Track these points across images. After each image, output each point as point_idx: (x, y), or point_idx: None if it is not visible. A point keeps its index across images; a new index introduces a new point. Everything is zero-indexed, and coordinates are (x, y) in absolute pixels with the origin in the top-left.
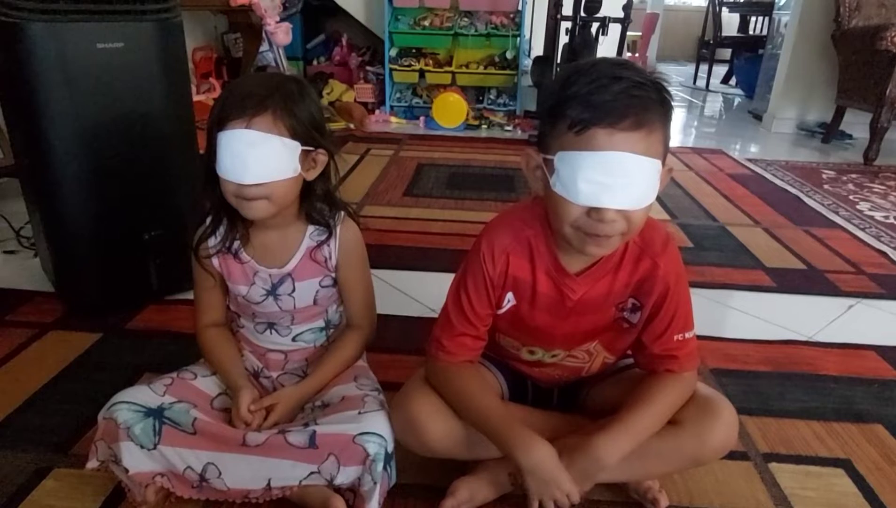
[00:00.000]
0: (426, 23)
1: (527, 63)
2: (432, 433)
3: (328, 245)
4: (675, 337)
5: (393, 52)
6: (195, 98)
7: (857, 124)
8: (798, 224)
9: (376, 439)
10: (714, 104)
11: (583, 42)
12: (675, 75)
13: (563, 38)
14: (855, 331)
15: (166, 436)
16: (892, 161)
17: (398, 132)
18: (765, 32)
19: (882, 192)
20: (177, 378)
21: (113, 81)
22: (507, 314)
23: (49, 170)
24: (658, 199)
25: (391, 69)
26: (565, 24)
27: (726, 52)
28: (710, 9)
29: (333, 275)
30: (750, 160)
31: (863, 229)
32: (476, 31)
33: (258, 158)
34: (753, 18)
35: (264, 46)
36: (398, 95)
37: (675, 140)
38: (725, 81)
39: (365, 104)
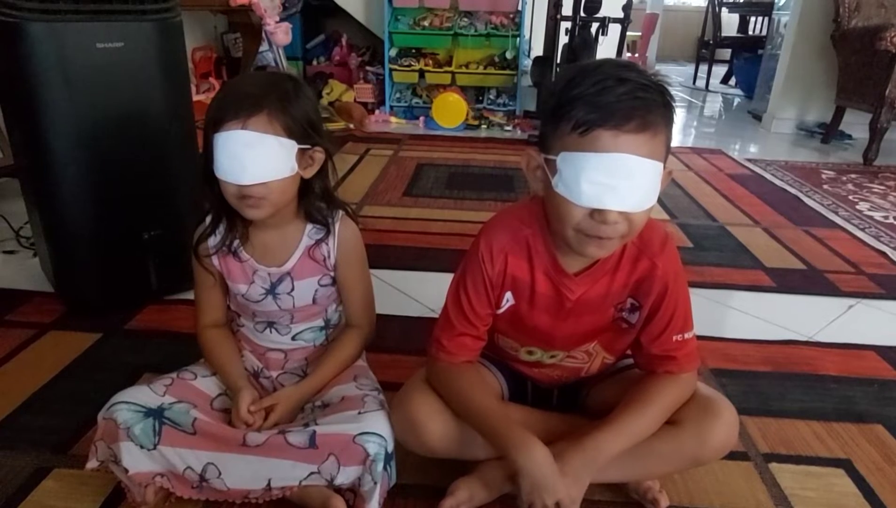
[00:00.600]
0: (426, 23)
1: (526, 63)
2: (432, 433)
3: (327, 244)
4: (674, 337)
5: (393, 53)
6: (195, 98)
7: (856, 125)
8: (798, 224)
9: (376, 439)
10: (714, 104)
11: (582, 42)
12: (675, 75)
13: (563, 39)
14: (855, 331)
15: (166, 436)
16: (891, 161)
17: (398, 132)
18: (764, 33)
19: (881, 192)
20: (177, 379)
21: (113, 81)
22: (506, 314)
23: (48, 170)
24: (658, 199)
25: (391, 69)
26: (565, 25)
27: (726, 53)
28: (710, 9)
29: (332, 274)
30: (749, 160)
31: (862, 229)
32: (476, 31)
33: (255, 158)
34: (753, 19)
35: (264, 46)
36: (398, 95)
37: (675, 140)
38: (725, 81)
39: (365, 104)
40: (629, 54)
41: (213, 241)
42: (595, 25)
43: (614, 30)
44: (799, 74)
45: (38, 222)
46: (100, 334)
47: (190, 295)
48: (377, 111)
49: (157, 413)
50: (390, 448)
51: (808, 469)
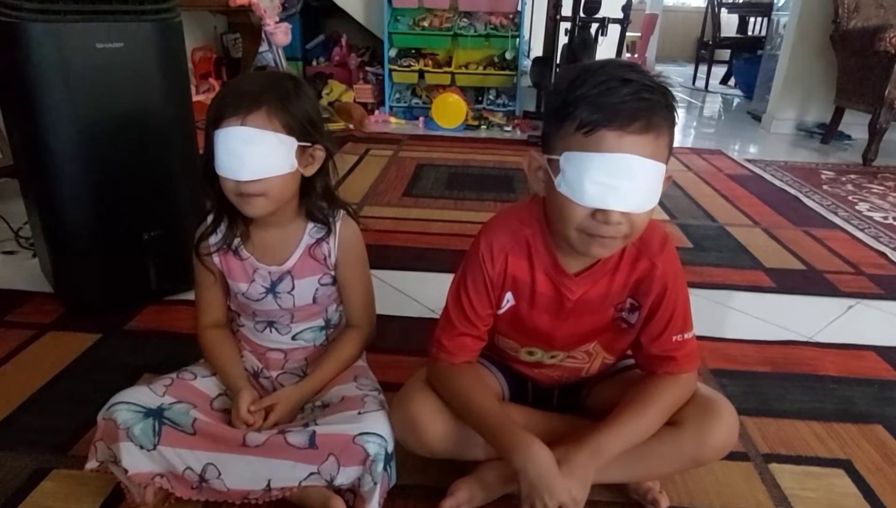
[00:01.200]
0: (425, 23)
1: (526, 64)
2: (432, 433)
3: (327, 242)
4: (674, 338)
5: (392, 53)
6: (195, 98)
7: (855, 125)
8: (797, 225)
9: (376, 439)
10: (713, 105)
11: (582, 43)
12: (675, 76)
13: (563, 39)
14: (854, 332)
15: (166, 437)
16: (890, 162)
17: (397, 133)
18: (763, 33)
19: (881, 192)
20: (176, 379)
21: (112, 82)
22: (506, 315)
23: (48, 170)
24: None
25: (390, 70)
26: (564, 25)
27: (725, 53)
28: (709, 10)
29: (333, 273)
30: (749, 161)
31: (862, 230)
32: (475, 31)
33: (254, 154)
34: (752, 19)
35: (263, 47)
36: (397, 95)
37: (675, 141)
38: (724, 81)
39: (364, 105)
40: (628, 55)
41: (213, 239)
42: (595, 26)
43: (614, 30)
44: (798, 74)
45: (37, 223)
46: (99, 334)
47: (190, 296)
48: (377, 112)
49: (156, 414)
50: (390, 449)
51: (807, 470)
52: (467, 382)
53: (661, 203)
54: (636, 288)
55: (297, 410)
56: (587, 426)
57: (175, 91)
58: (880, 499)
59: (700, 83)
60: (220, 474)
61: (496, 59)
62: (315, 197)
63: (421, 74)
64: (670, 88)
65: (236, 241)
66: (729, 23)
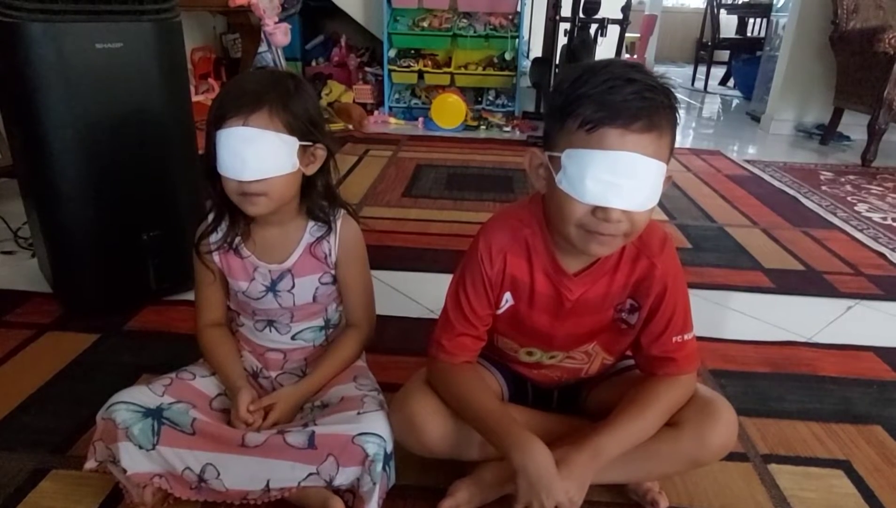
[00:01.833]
0: (425, 24)
1: (525, 64)
2: (431, 433)
3: (328, 241)
4: (674, 339)
5: (392, 53)
6: (194, 98)
7: (854, 126)
8: (796, 225)
9: (375, 439)
10: (712, 106)
11: (581, 43)
12: (674, 77)
13: (562, 40)
14: (853, 332)
15: (165, 437)
16: (889, 163)
17: (397, 133)
18: (763, 34)
19: (880, 193)
20: (176, 379)
21: (112, 82)
22: (505, 315)
23: (47, 170)
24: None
25: (390, 70)
26: (564, 26)
27: (724, 54)
28: (709, 10)
29: (333, 272)
30: (748, 161)
31: (861, 231)
32: (475, 32)
33: (256, 154)
34: (751, 20)
35: (263, 47)
36: (397, 95)
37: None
38: (723, 82)
39: (364, 105)
40: (628, 55)
41: (214, 238)
42: (594, 26)
43: (613, 31)
44: (797, 75)
45: (36, 223)
46: (98, 334)
47: (189, 296)
48: (376, 112)
49: (155, 414)
50: (389, 449)
51: (807, 470)
52: (467, 382)
53: (660, 204)
54: (636, 289)
55: (296, 410)
56: (586, 427)
57: (174, 91)
58: (879, 500)
59: (699, 84)
60: (219, 474)
61: (495, 60)
62: (316, 196)
63: (420, 74)
64: (673, 90)
65: (237, 239)
66: (728, 24)
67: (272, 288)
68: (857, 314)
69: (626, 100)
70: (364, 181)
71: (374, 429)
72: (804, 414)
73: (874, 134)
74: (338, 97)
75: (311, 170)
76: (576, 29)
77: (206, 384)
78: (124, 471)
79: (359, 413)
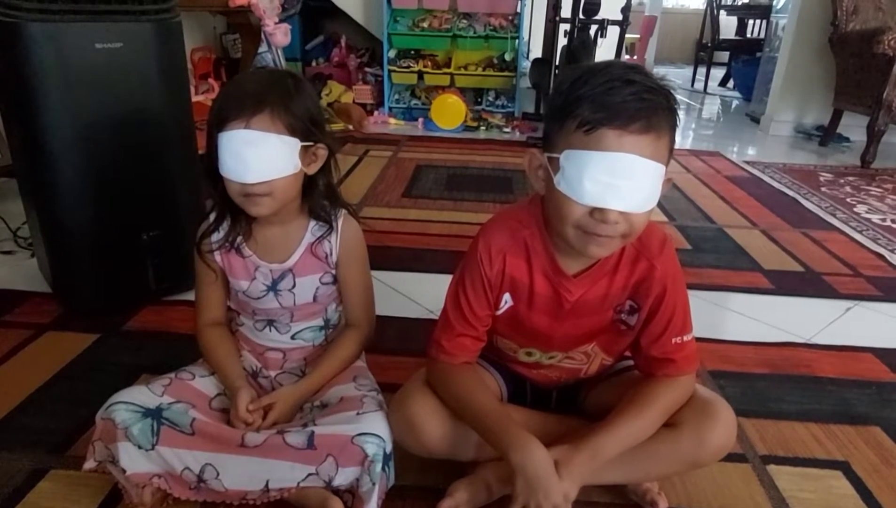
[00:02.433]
0: (425, 24)
1: (525, 65)
2: (431, 433)
3: (329, 240)
4: (673, 340)
5: (392, 54)
6: (194, 99)
7: (854, 127)
8: (795, 226)
9: (375, 440)
10: (712, 107)
11: (581, 44)
12: (674, 78)
13: (562, 41)
14: (852, 333)
15: (164, 437)
16: (888, 164)
17: (397, 134)
18: (762, 35)
19: (879, 194)
20: (175, 379)
21: (111, 82)
22: (504, 316)
23: (46, 170)
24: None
25: (390, 71)
26: (564, 27)
27: (724, 55)
28: (708, 12)
29: (333, 272)
30: (747, 163)
31: (860, 232)
32: (475, 32)
33: (259, 156)
34: (751, 21)
35: (263, 47)
36: (397, 96)
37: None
38: (723, 83)
39: (363, 105)
40: (627, 56)
41: (216, 237)
42: (594, 27)
43: (613, 32)
44: (797, 76)
45: (35, 223)
46: (97, 334)
47: (188, 296)
48: (376, 112)
49: (155, 414)
50: (389, 449)
51: (806, 471)
52: (466, 382)
53: (659, 205)
54: (635, 290)
55: (295, 409)
56: (585, 428)
57: (174, 91)
58: (878, 501)
59: (699, 85)
60: (218, 474)
61: (495, 61)
62: (317, 195)
63: (420, 75)
64: (673, 91)
65: (238, 239)
66: (728, 25)
67: (273, 288)
68: (856, 316)
69: (624, 101)
70: (364, 182)
71: (373, 429)
72: (803, 415)
73: (873, 135)
74: (337, 98)
75: (312, 169)
76: (575, 30)
77: (205, 384)
78: (123, 471)
79: (358, 414)
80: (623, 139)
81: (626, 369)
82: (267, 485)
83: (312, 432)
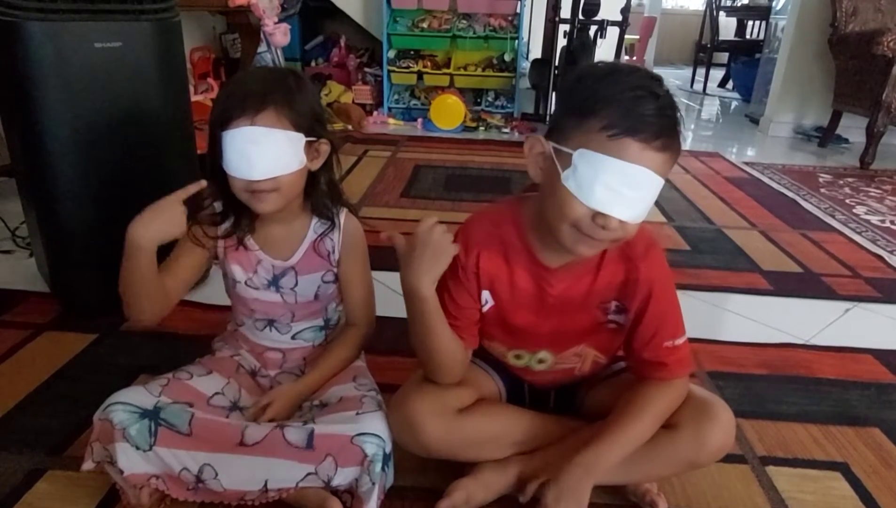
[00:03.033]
0: (424, 25)
1: (525, 65)
2: (430, 433)
3: (331, 238)
4: (665, 344)
5: (391, 54)
6: (193, 98)
7: (853, 128)
8: (794, 227)
9: (374, 440)
10: (711, 108)
11: (581, 45)
12: (673, 79)
13: (562, 41)
14: (851, 335)
15: (162, 437)
16: (888, 165)
17: (396, 134)
18: (762, 36)
19: (878, 196)
20: (172, 379)
21: (110, 81)
22: (489, 315)
23: (45, 169)
24: (655, 201)
25: (389, 71)
26: (563, 27)
27: (723, 56)
28: (708, 13)
29: (335, 270)
30: (747, 164)
31: (859, 233)
32: (474, 33)
33: (265, 153)
34: (750, 23)
35: (262, 47)
36: (396, 96)
37: None
38: (722, 84)
39: (363, 106)
40: (627, 57)
41: (221, 231)
42: (593, 28)
43: (612, 33)
44: (796, 77)
45: (34, 222)
46: (96, 335)
47: (188, 296)
48: (375, 113)
49: (152, 414)
50: (388, 449)
51: (805, 473)
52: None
53: (658, 205)
54: (621, 290)
55: (294, 407)
56: (583, 430)
57: (173, 91)
58: (877, 502)
59: (698, 86)
60: (216, 474)
61: (495, 61)
62: (320, 192)
63: (420, 75)
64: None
65: (245, 235)
66: (727, 26)
67: (274, 282)
68: (855, 317)
69: (652, 114)
70: (363, 182)
71: (373, 429)
72: (802, 416)
73: (872, 137)
74: (337, 98)
75: (315, 165)
76: (575, 31)
77: (203, 384)
78: (121, 472)
79: (358, 414)
80: (644, 153)
81: (624, 369)
82: (265, 485)
83: (312, 430)
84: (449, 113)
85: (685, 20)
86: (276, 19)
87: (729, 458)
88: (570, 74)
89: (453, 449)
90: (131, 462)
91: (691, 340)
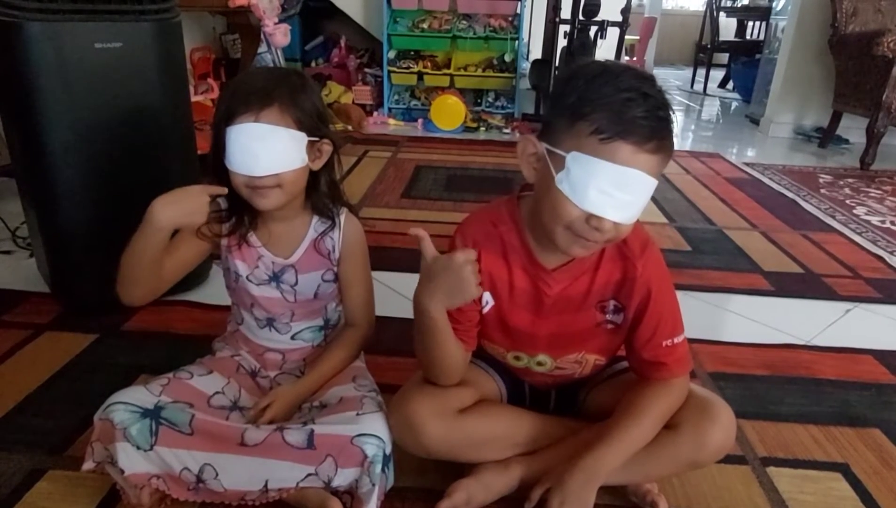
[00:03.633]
0: (425, 25)
1: (525, 66)
2: (430, 434)
3: (332, 237)
4: (664, 343)
5: (391, 55)
6: (193, 99)
7: (853, 129)
8: (795, 228)
9: (374, 440)
10: (711, 108)
11: (581, 45)
12: (673, 79)
13: (562, 42)
14: (852, 335)
15: (163, 437)
16: (888, 166)
17: (396, 134)
18: (762, 37)
19: (878, 196)
20: (173, 379)
21: (111, 82)
22: (489, 316)
23: (45, 169)
24: (655, 201)
25: (389, 71)
26: (564, 28)
27: (723, 57)
28: (708, 13)
29: (335, 269)
30: (747, 164)
31: (859, 234)
32: (475, 33)
33: (268, 150)
34: (750, 23)
35: (262, 48)
36: (396, 97)
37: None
38: (723, 85)
39: (363, 106)
40: (627, 58)
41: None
42: (594, 29)
43: (613, 33)
44: (796, 78)
45: (34, 222)
46: (96, 335)
47: (187, 296)
48: (375, 113)
49: (153, 414)
50: (388, 450)
51: (805, 473)
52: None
53: (659, 206)
54: (618, 290)
55: (293, 408)
56: (584, 430)
57: (174, 91)
58: (878, 503)
59: (698, 86)
60: (217, 474)
61: (495, 62)
62: (321, 191)
63: (420, 75)
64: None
65: (248, 232)
66: (727, 26)
67: (275, 279)
68: (856, 317)
69: (643, 116)
70: (363, 182)
71: (373, 430)
72: (803, 417)
73: (873, 137)
74: (337, 98)
75: (317, 165)
76: (575, 31)
77: (203, 383)
78: (122, 472)
79: (358, 414)
80: (637, 156)
81: (625, 369)
82: (266, 485)
83: (312, 430)
84: (449, 113)
85: (685, 21)
86: (276, 20)
87: (730, 459)
88: (560, 73)
89: (454, 450)
90: (132, 461)
91: (692, 340)
